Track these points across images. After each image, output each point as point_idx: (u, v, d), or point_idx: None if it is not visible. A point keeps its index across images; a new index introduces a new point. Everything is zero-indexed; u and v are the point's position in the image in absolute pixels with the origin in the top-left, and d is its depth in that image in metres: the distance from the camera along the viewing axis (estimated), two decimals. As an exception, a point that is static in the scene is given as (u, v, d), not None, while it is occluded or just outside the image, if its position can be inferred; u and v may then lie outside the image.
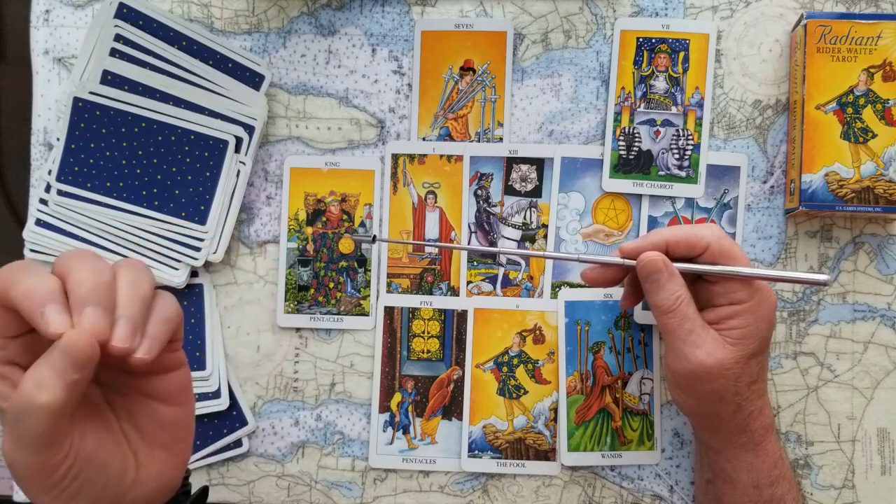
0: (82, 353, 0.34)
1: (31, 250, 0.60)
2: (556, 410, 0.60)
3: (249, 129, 0.60)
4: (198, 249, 0.60)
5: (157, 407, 0.41)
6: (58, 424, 0.35)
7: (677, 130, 0.60)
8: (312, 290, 0.61)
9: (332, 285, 0.61)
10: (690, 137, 0.60)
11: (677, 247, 0.50)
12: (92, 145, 0.59)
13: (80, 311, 0.34)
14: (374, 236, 0.55)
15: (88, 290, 0.34)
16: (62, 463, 0.36)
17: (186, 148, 0.59)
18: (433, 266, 0.61)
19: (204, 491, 0.48)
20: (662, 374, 0.60)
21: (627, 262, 0.51)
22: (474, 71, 0.61)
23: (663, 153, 0.60)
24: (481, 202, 0.61)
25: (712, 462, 0.53)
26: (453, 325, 0.61)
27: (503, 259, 0.61)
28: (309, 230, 0.62)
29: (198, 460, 0.60)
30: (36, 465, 0.35)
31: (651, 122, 0.60)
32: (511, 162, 0.61)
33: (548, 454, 0.60)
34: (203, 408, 0.59)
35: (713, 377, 0.48)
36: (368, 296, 0.61)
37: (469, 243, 0.61)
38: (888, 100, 0.57)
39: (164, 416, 0.41)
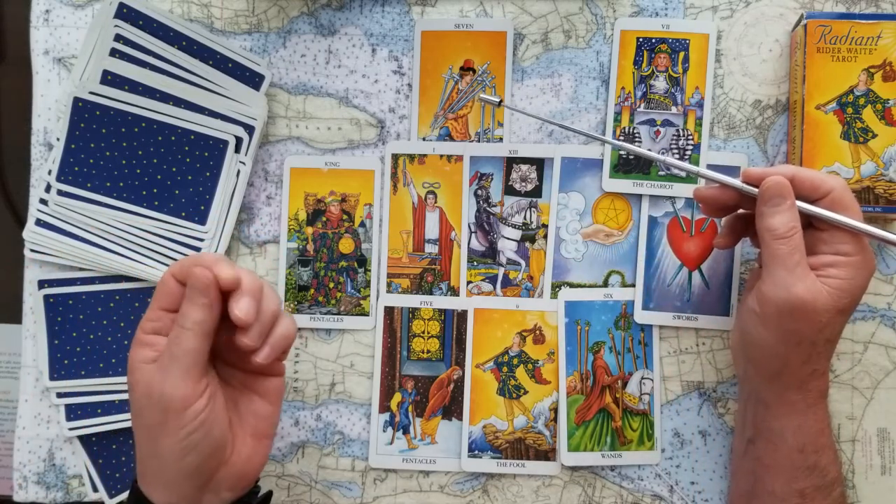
0: (200, 280, 0.45)
1: (32, 250, 0.60)
2: (556, 410, 0.60)
3: (249, 129, 0.60)
4: (198, 249, 0.60)
5: (257, 400, 0.50)
6: (200, 346, 0.45)
7: (677, 130, 0.60)
8: (312, 290, 0.61)
9: (332, 285, 0.61)
10: (690, 137, 0.60)
11: (801, 184, 0.50)
12: (92, 145, 0.59)
13: (240, 298, 0.45)
14: (501, 100, 0.58)
15: (249, 285, 0.46)
16: (201, 395, 0.45)
17: (186, 148, 0.59)
18: (433, 266, 0.61)
19: (269, 495, 0.54)
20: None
21: (748, 188, 0.51)
22: (474, 71, 0.61)
23: (663, 153, 0.60)
24: (481, 202, 0.61)
25: (758, 419, 0.53)
26: (453, 325, 0.61)
27: (503, 259, 0.61)
28: (309, 230, 0.62)
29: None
30: (181, 390, 0.44)
31: (651, 122, 0.60)
32: (511, 162, 0.61)
33: (548, 454, 0.60)
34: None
35: (804, 316, 0.48)
36: (368, 296, 0.61)
37: (469, 243, 0.61)
38: (888, 100, 0.57)
39: (259, 409, 0.50)
